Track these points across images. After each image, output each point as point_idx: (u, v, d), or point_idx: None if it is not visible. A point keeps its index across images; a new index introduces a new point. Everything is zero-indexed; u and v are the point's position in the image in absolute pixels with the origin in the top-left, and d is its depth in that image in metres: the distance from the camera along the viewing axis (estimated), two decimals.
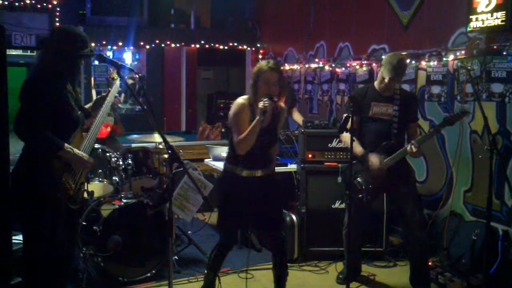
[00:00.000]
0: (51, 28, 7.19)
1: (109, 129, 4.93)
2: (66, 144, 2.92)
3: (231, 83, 9.86)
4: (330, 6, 6.63)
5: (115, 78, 3.48)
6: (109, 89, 3.43)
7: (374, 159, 3.85)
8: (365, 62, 5.85)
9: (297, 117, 5.70)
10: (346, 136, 3.96)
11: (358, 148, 3.92)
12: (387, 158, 3.87)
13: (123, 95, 9.08)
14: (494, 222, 4.22)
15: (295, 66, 7.26)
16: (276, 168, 5.02)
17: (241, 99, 3.47)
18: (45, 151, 2.90)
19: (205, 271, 3.71)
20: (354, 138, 3.75)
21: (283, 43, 7.76)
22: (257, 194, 3.47)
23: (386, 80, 3.88)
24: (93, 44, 7.37)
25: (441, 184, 4.90)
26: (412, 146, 3.75)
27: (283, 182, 5.48)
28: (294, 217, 4.72)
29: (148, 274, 4.18)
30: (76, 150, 2.98)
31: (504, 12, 4.03)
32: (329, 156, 4.79)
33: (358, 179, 3.92)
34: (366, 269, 4.50)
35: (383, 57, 4.00)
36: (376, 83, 4.06)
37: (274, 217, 3.60)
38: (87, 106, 3.41)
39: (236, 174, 3.48)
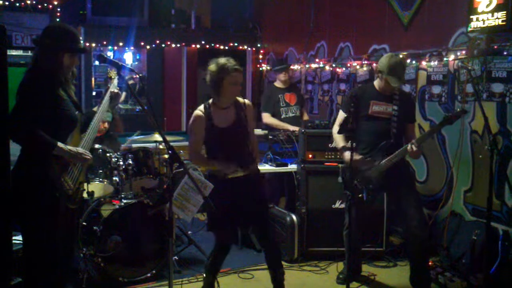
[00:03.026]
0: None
1: (106, 125, 4.89)
2: (59, 143, 2.92)
3: None
4: (331, 6, 6.62)
5: (113, 77, 3.49)
6: (108, 86, 3.44)
7: (346, 155, 3.89)
8: (366, 62, 5.84)
9: (305, 118, 5.80)
10: (337, 136, 4.00)
11: (340, 142, 3.97)
12: (386, 158, 3.87)
13: (124, 94, 9.07)
14: (494, 222, 4.22)
15: (296, 66, 7.26)
16: (276, 168, 5.08)
17: (198, 111, 3.51)
18: (40, 151, 2.90)
19: (204, 274, 3.71)
20: (340, 134, 3.79)
21: (284, 43, 7.76)
22: (239, 194, 3.48)
23: (394, 85, 3.89)
24: (93, 45, 7.38)
25: (442, 184, 4.90)
26: (412, 146, 3.75)
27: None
28: (294, 217, 4.72)
29: (148, 274, 4.19)
30: (70, 147, 2.98)
31: (505, 12, 4.03)
32: (329, 156, 4.79)
33: (358, 178, 3.91)
34: (367, 269, 4.51)
35: (381, 59, 4.01)
36: (376, 82, 4.06)
37: (259, 216, 3.60)
38: (94, 108, 3.41)
39: (216, 176, 3.50)
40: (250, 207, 3.52)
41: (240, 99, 3.57)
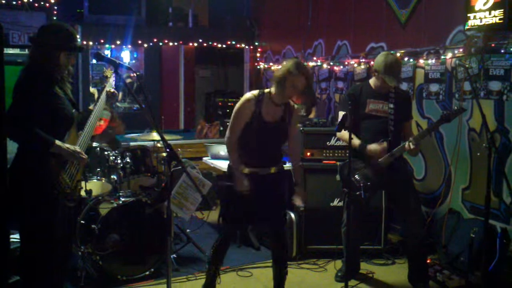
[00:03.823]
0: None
1: (102, 122, 4.88)
2: (57, 140, 2.91)
3: (229, 82, 9.85)
4: (328, 4, 6.62)
5: (109, 76, 3.48)
6: (104, 84, 3.44)
7: (373, 147, 3.86)
8: (363, 60, 5.85)
9: (310, 117, 5.79)
10: (344, 134, 3.97)
11: (355, 141, 3.93)
12: (385, 156, 3.87)
13: (121, 93, 9.04)
14: (493, 220, 4.23)
15: None
16: None
17: (249, 94, 3.50)
18: (37, 149, 2.90)
19: (207, 266, 3.72)
20: (339, 131, 3.79)
21: (281, 41, 7.76)
22: (263, 190, 3.49)
23: (391, 84, 3.88)
24: (91, 43, 7.36)
25: (440, 182, 4.90)
26: (410, 143, 3.75)
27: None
28: (292, 215, 4.72)
29: (147, 273, 4.18)
30: (67, 145, 2.97)
31: (502, 10, 4.03)
32: (327, 154, 4.80)
33: (356, 176, 3.92)
34: (365, 267, 4.51)
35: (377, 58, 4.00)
36: (371, 81, 4.06)
37: (277, 213, 3.62)
38: (90, 107, 3.40)
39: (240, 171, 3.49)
40: (269, 204, 3.54)
41: (291, 102, 3.57)
